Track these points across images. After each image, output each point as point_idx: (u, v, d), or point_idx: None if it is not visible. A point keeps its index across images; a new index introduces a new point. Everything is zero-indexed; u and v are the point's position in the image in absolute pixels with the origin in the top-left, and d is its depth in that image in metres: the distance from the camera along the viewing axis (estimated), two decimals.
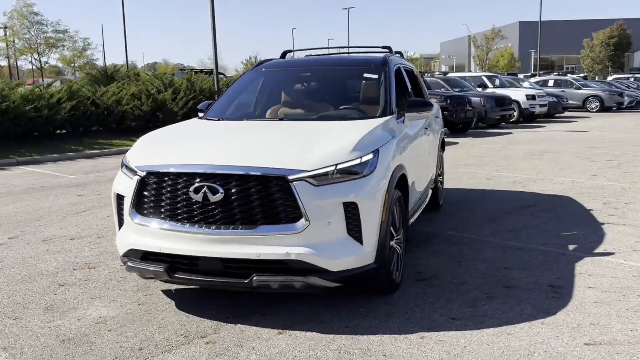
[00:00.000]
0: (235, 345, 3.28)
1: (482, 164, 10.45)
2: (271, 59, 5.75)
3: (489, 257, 4.84)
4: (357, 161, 3.52)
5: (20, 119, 13.54)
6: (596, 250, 4.99)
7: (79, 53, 49.61)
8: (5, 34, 36.89)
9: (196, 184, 3.40)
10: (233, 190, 3.36)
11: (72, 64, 49.81)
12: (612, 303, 3.80)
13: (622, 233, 5.52)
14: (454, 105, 16.25)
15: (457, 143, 14.42)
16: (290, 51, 6.09)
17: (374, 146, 3.72)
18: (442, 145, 6.86)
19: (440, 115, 6.74)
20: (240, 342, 3.31)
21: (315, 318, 3.62)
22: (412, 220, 4.79)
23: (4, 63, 42.11)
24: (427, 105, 4.81)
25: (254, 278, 3.34)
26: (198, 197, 3.38)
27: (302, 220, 3.31)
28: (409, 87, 5.52)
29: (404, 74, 5.49)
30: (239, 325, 3.55)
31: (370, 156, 3.61)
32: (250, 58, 62.35)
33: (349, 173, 3.47)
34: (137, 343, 3.33)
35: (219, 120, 4.79)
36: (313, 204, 3.33)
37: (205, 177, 3.41)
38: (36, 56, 39.58)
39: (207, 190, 3.36)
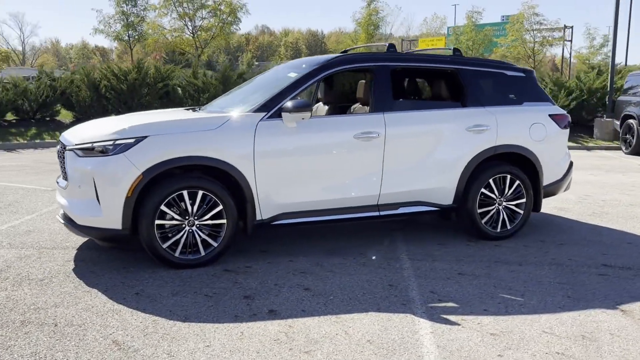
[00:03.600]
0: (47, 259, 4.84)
1: None
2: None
3: (348, 275, 4.37)
4: (110, 142, 4.35)
5: None
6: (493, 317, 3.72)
7: (595, 51, 48.56)
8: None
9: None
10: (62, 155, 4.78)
11: (588, 61, 49.21)
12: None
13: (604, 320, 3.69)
14: None
15: None
16: (351, 48, 6.35)
17: (144, 133, 4.37)
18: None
19: (488, 126, 5.32)
20: (39, 255, 4.84)
21: (96, 271, 4.71)
22: (282, 221, 4.77)
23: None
24: (302, 107, 4.56)
25: (60, 220, 4.75)
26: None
27: (67, 181, 4.51)
28: (373, 90, 5.06)
29: (376, 76, 5.09)
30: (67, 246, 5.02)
31: (128, 140, 4.33)
32: None
33: (99, 150, 4.37)
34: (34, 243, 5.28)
35: (199, 111, 5.87)
36: (73, 170, 4.46)
37: (62, 146, 4.91)
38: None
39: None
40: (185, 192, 4.41)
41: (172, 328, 3.43)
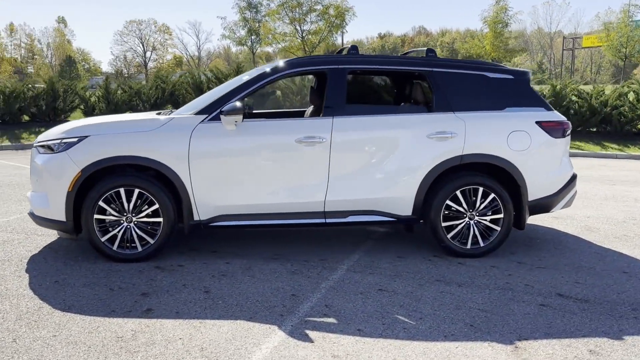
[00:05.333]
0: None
1: None
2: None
3: (239, 282, 4.37)
4: (57, 141, 4.75)
5: None
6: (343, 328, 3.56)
7: None
8: None
9: None
10: None
11: None
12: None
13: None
14: None
15: None
16: (343, 48, 6.23)
17: (86, 133, 4.71)
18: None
19: (453, 133, 4.86)
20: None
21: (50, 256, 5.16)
22: (221, 223, 4.84)
23: None
24: (233, 110, 4.58)
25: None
26: None
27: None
28: (325, 94, 4.93)
29: (329, 79, 4.97)
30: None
31: (71, 140, 4.69)
32: None
33: (49, 148, 4.79)
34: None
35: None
36: (33, 165, 4.94)
37: None
38: None
39: None
40: (122, 190, 4.66)
41: (46, 315, 3.67)
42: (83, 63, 71.73)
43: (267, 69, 4.98)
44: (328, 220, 4.91)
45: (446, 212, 4.97)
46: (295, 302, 3.95)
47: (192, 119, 4.78)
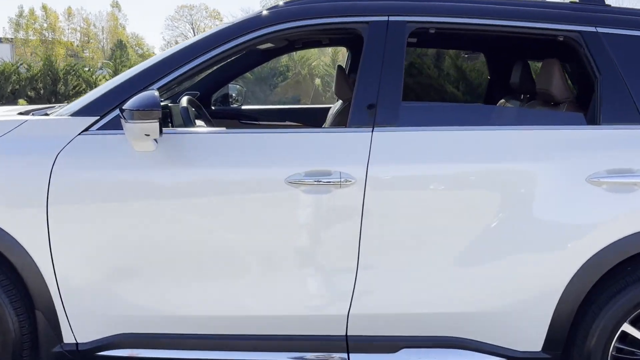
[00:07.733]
0: None
1: None
2: None
3: None
4: None
5: None
6: None
7: None
8: None
9: None
10: None
11: None
12: None
13: None
14: None
15: None
16: None
17: None
18: None
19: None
20: None
21: None
22: (122, 352, 2.27)
23: None
24: (144, 107, 1.97)
25: None
26: None
27: None
28: (357, 77, 2.30)
29: (367, 47, 2.31)
30: None
31: None
32: None
33: None
34: None
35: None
36: None
37: None
38: None
39: None
40: None
41: None
42: (136, 48, 72.25)
43: (232, 25, 2.36)
44: (354, 357, 2.25)
45: (619, 348, 2.25)
46: None
47: (62, 126, 2.22)
